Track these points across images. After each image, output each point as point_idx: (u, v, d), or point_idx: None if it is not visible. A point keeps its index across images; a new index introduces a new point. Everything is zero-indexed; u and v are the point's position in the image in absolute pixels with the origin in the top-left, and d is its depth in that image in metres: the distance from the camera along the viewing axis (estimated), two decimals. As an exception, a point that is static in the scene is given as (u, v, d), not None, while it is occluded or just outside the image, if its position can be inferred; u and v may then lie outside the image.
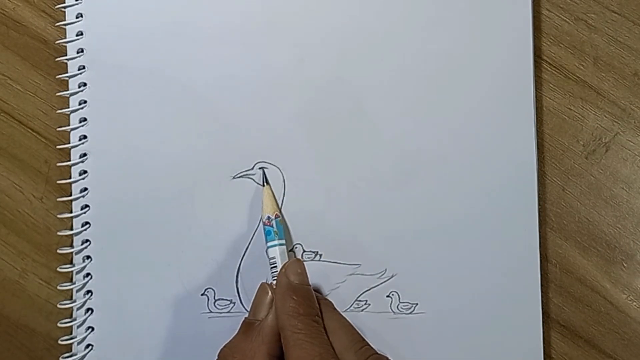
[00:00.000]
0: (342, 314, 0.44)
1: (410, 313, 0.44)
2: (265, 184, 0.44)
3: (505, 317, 0.44)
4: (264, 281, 0.44)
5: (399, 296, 0.44)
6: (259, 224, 0.44)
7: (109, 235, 0.45)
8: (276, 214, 0.44)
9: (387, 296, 0.44)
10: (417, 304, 0.44)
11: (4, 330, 0.46)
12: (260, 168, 0.45)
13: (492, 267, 0.44)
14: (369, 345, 0.41)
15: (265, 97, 0.45)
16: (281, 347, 0.40)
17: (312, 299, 0.41)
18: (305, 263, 0.44)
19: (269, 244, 0.43)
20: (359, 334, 0.42)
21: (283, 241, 0.43)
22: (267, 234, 0.43)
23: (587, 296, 0.45)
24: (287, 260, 0.43)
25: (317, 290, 0.44)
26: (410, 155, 0.45)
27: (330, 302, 0.43)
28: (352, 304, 0.44)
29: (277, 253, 0.43)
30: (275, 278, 0.42)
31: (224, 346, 0.41)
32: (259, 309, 0.42)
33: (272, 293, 0.42)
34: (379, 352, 0.41)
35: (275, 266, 0.43)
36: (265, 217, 0.43)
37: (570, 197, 0.46)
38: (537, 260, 0.44)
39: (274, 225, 0.43)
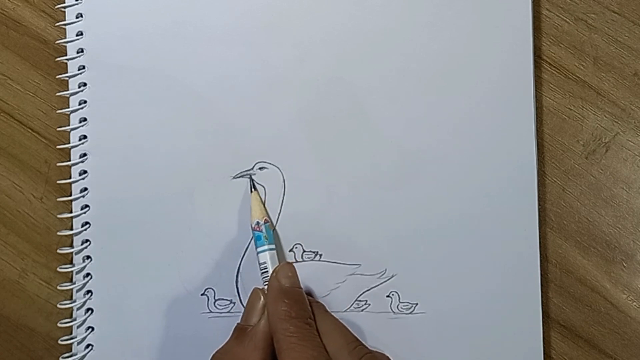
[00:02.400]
0: (342, 314, 0.44)
1: (410, 313, 0.44)
2: (252, 190, 0.44)
3: (505, 317, 0.44)
4: (257, 286, 0.43)
5: (399, 296, 0.44)
6: (258, 225, 0.44)
7: (109, 235, 0.45)
8: (265, 219, 0.44)
9: (387, 296, 0.44)
10: (417, 304, 0.44)
11: (4, 330, 0.46)
12: (260, 168, 0.45)
13: (492, 267, 0.44)
14: (363, 344, 0.41)
15: (265, 97, 0.45)
16: (274, 352, 0.40)
17: (303, 302, 0.41)
18: (305, 263, 0.44)
19: (259, 249, 0.43)
20: (352, 334, 0.42)
21: (273, 246, 0.43)
22: (257, 239, 0.43)
23: (587, 296, 0.45)
24: (277, 264, 0.43)
25: (317, 291, 0.44)
26: (410, 155, 0.45)
27: (322, 304, 0.43)
28: (352, 304, 0.44)
29: (268, 258, 0.43)
30: (267, 283, 0.42)
31: (216, 352, 0.41)
32: (251, 314, 0.42)
33: (264, 298, 0.42)
34: (373, 350, 0.41)
35: (266, 271, 0.42)
36: (255, 222, 0.43)
37: (570, 197, 0.46)
38: (537, 260, 0.44)
39: (264, 230, 0.43)
